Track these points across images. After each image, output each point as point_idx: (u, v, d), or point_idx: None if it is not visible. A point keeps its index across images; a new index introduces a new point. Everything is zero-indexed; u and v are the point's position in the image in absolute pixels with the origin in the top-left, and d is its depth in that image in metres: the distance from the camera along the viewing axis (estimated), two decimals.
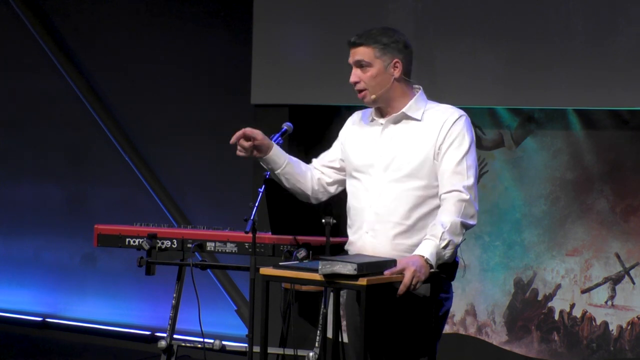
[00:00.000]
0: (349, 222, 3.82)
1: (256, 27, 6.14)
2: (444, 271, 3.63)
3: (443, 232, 3.52)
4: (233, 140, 3.78)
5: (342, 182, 3.90)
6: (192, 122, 7.00)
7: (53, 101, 7.51)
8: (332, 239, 4.40)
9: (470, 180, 3.61)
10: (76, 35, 7.36)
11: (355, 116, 3.91)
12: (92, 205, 7.40)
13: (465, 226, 3.58)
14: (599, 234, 5.53)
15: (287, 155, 3.86)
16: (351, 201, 3.81)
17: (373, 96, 3.72)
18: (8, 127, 7.71)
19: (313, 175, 3.91)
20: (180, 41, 7.01)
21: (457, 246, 3.58)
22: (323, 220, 4.37)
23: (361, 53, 3.71)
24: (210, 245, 5.00)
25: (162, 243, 5.02)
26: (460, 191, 3.58)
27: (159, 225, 5.14)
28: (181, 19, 7.01)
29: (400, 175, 3.66)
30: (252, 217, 3.99)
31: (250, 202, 4.02)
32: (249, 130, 3.77)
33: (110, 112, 7.28)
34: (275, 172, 3.86)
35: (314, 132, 6.07)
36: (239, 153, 3.81)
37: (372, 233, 3.69)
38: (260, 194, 4.00)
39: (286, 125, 4.08)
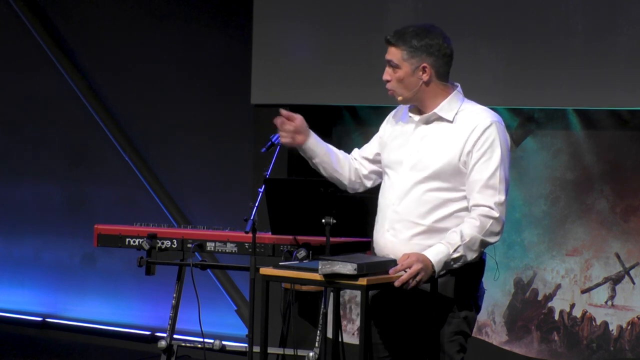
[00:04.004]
0: (376, 219, 3.79)
1: (256, 27, 6.13)
2: (469, 270, 3.62)
3: (459, 246, 3.50)
4: (279, 121, 3.80)
5: (380, 175, 3.85)
6: (192, 122, 7.00)
7: (53, 101, 7.50)
8: (332, 239, 4.39)
9: (502, 197, 3.56)
10: (76, 35, 7.36)
11: (398, 110, 3.86)
12: (92, 205, 7.39)
13: (484, 244, 3.57)
14: (599, 234, 5.52)
15: (326, 145, 3.84)
16: (379, 198, 3.78)
17: (400, 97, 3.69)
18: (8, 127, 7.71)
19: (351, 165, 3.87)
20: (180, 41, 7.00)
21: (467, 260, 3.56)
22: (323, 220, 4.36)
23: (392, 53, 3.66)
24: (210, 245, 5.00)
25: (162, 243, 5.02)
26: (491, 208, 3.54)
27: (159, 225, 5.14)
28: (181, 19, 7.00)
29: (423, 175, 3.61)
30: (252, 217, 4.00)
31: (250, 202, 4.03)
32: (285, 112, 3.81)
33: (110, 112, 7.27)
34: (313, 161, 3.83)
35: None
36: (283, 140, 3.79)
37: (392, 232, 3.66)
38: (260, 194, 4.01)
39: None
